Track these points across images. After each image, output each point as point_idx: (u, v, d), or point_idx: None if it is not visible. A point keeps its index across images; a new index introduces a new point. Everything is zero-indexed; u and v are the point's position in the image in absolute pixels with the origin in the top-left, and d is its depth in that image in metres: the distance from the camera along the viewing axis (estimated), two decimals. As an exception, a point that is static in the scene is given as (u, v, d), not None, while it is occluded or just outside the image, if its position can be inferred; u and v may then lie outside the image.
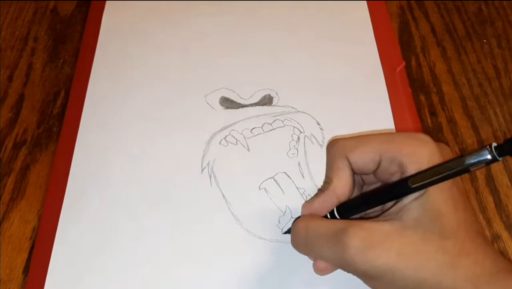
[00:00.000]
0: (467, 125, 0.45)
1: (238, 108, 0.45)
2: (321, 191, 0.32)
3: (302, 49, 0.49)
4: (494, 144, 0.26)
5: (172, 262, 0.37)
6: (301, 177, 0.41)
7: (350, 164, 0.31)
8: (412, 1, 0.54)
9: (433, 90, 0.47)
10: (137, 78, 0.47)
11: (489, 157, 0.26)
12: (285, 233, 0.38)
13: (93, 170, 0.41)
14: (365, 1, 0.52)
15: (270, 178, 0.40)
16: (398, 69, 0.47)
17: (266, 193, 0.40)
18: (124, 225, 0.38)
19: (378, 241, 0.27)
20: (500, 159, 0.26)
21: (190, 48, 0.49)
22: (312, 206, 0.32)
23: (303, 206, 0.33)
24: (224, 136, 0.43)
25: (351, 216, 0.32)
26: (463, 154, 0.27)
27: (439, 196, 0.28)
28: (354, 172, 0.32)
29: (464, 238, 0.28)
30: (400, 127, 0.43)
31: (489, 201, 0.41)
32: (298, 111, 0.44)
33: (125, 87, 0.46)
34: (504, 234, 0.39)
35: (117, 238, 0.38)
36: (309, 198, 0.39)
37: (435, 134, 0.44)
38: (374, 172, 0.32)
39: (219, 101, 0.45)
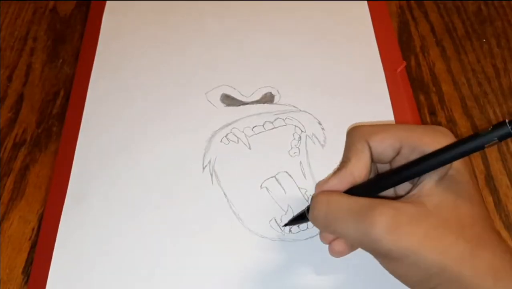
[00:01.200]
0: (467, 125, 0.45)
1: (239, 105, 0.45)
2: (337, 170, 0.32)
3: (303, 48, 0.49)
4: (507, 120, 0.26)
5: (173, 261, 0.37)
6: (302, 177, 0.41)
7: (370, 148, 0.31)
8: (411, 1, 0.54)
9: (432, 90, 0.47)
10: (138, 77, 0.47)
11: (503, 132, 0.26)
12: (285, 225, 0.37)
13: (94, 170, 0.41)
14: (366, 1, 0.52)
15: (272, 177, 0.40)
16: (399, 70, 0.47)
17: (268, 192, 0.40)
18: (125, 224, 0.38)
19: (406, 221, 0.27)
20: None
21: (191, 47, 0.49)
22: (327, 184, 0.32)
23: (318, 184, 0.32)
24: (225, 134, 0.43)
25: None
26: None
27: (456, 187, 0.29)
28: (372, 160, 0.32)
29: (481, 232, 0.28)
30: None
31: (489, 200, 0.41)
32: (300, 110, 0.44)
33: (126, 87, 0.46)
34: (504, 234, 0.39)
35: (118, 238, 0.38)
36: (310, 198, 0.39)
37: (435, 134, 0.44)
38: (391, 161, 0.32)
39: (220, 99, 0.45)
